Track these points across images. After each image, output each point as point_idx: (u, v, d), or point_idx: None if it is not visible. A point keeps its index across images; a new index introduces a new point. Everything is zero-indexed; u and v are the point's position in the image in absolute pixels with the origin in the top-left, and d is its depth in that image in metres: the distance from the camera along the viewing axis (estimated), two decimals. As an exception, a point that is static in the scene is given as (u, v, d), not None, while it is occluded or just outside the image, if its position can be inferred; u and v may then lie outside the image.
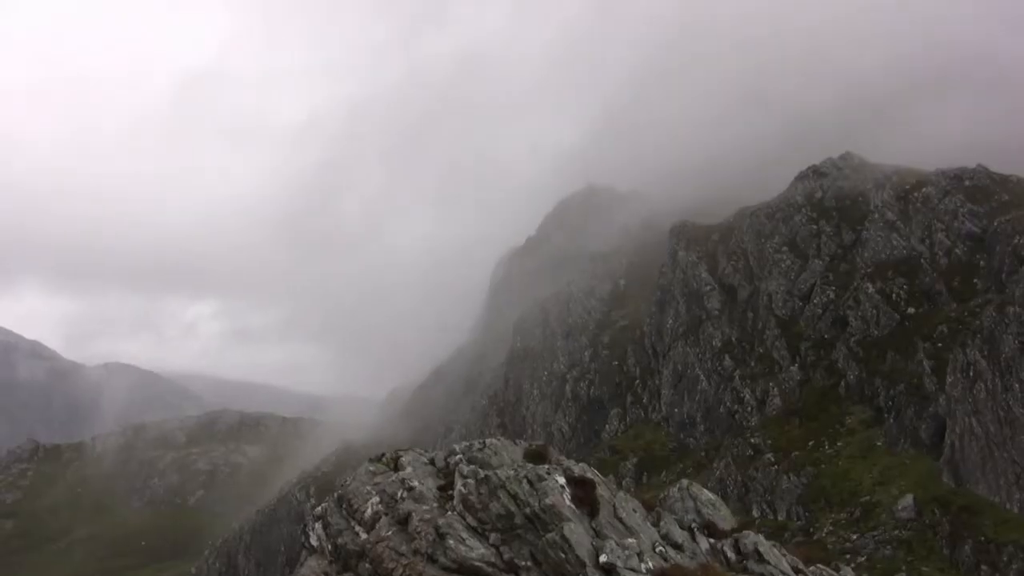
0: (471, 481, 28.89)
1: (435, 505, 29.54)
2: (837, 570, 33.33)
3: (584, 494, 29.16)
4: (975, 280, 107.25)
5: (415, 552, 28.12)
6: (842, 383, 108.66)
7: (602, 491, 29.97)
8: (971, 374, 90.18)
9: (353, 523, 30.79)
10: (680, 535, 30.80)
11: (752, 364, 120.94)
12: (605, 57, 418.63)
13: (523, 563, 26.72)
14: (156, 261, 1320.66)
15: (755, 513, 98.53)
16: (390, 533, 29.28)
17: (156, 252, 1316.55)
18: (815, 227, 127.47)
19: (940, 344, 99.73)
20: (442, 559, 27.23)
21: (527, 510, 27.54)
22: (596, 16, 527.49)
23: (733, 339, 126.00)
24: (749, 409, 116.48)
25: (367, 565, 29.21)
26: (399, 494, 30.24)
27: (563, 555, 26.22)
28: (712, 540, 31.69)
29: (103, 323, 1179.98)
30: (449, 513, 28.63)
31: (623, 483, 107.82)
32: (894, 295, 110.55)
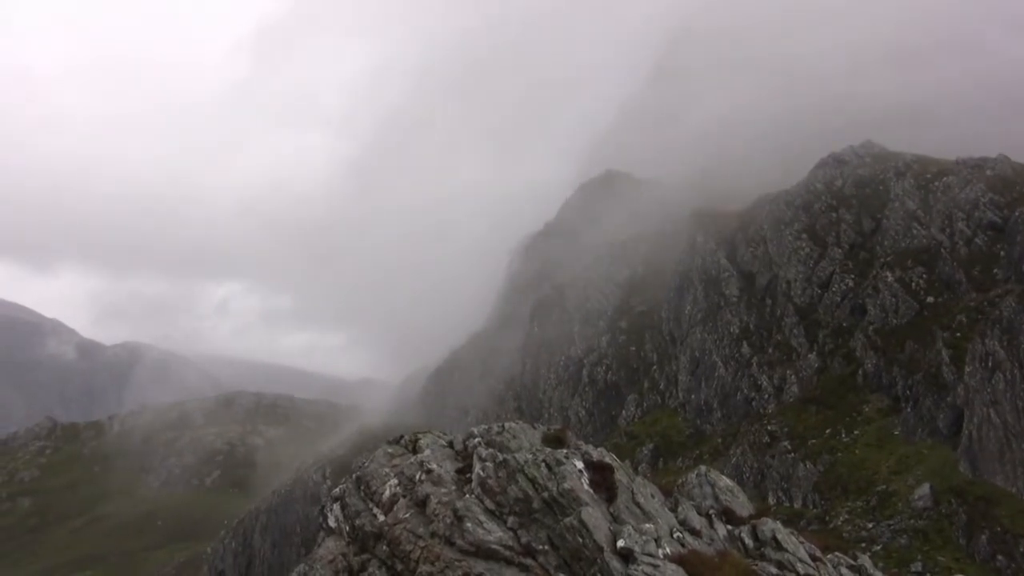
0: (489, 464, 28.90)
1: (453, 488, 29.55)
2: (855, 559, 33.27)
3: (602, 479, 29.14)
4: (995, 270, 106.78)
5: (433, 535, 28.15)
6: (860, 371, 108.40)
7: (620, 476, 29.94)
8: (990, 364, 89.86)
9: (371, 505, 30.82)
10: (698, 521, 30.77)
11: (770, 351, 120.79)
12: (626, 43, 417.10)
13: (540, 547, 26.72)
14: (182, 243, 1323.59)
15: (771, 500, 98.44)
16: (408, 515, 29.30)
17: (183, 234, 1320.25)
18: (835, 215, 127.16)
19: (959, 333, 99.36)
20: (460, 542, 27.25)
21: (545, 494, 27.54)
22: (612, 6, 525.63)
23: (751, 326, 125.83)
24: (766, 396, 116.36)
25: (385, 547, 29.25)
26: (417, 476, 30.25)
27: (581, 540, 26.22)
28: (730, 527, 31.65)
29: (125, 304, 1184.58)
30: (467, 496, 28.63)
31: (639, 468, 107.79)
32: (913, 284, 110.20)
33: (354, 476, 32.55)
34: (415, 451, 32.51)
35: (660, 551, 26.57)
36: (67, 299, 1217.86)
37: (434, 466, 30.44)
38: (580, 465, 29.06)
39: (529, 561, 26.58)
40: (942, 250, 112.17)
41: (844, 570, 31.96)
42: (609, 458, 30.88)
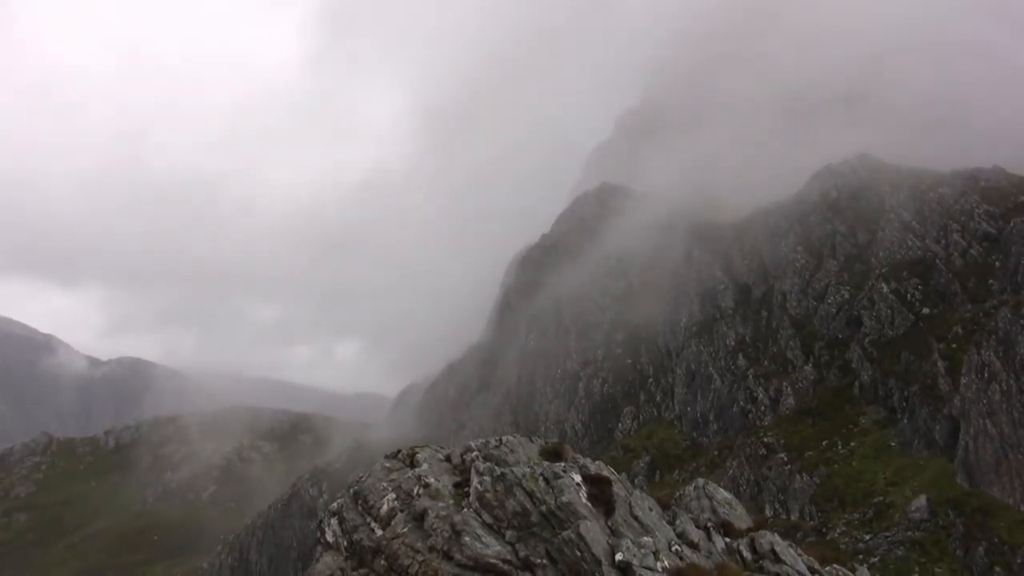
0: (487, 478, 28.87)
1: (451, 502, 29.50)
2: (853, 571, 33.24)
3: (600, 492, 29.12)
4: (990, 281, 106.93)
5: (431, 549, 28.10)
6: (856, 383, 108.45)
7: (618, 489, 29.92)
8: (986, 375, 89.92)
9: (369, 519, 30.75)
10: (696, 534, 30.73)
11: (766, 363, 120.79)
12: (622, 55, 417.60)
13: (539, 561, 26.69)
14: (188, 258, 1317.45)
15: (768, 512, 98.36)
16: (406, 530, 29.25)
17: (190, 248, 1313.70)
18: (830, 227, 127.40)
19: (955, 345, 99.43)
20: (458, 556, 27.21)
21: (543, 508, 27.52)
22: (612, 17, 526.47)
23: (747, 338, 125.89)
24: (762, 408, 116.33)
25: (383, 562, 29.18)
26: (415, 491, 30.21)
27: (579, 553, 26.20)
28: (728, 539, 31.59)
29: (129, 319, 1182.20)
30: (465, 510, 28.59)
31: (636, 481, 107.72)
32: (909, 295, 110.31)
33: (352, 490, 32.46)
34: (413, 465, 32.43)
35: (658, 564, 26.56)
36: (70, 314, 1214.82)
37: (432, 480, 30.42)
38: (578, 478, 29.05)
39: (527, 575, 26.57)
40: (937, 261, 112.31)
41: (842, 582, 31.95)
42: (607, 471, 30.86)
